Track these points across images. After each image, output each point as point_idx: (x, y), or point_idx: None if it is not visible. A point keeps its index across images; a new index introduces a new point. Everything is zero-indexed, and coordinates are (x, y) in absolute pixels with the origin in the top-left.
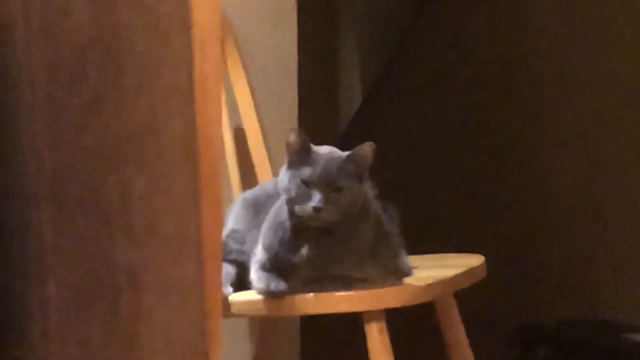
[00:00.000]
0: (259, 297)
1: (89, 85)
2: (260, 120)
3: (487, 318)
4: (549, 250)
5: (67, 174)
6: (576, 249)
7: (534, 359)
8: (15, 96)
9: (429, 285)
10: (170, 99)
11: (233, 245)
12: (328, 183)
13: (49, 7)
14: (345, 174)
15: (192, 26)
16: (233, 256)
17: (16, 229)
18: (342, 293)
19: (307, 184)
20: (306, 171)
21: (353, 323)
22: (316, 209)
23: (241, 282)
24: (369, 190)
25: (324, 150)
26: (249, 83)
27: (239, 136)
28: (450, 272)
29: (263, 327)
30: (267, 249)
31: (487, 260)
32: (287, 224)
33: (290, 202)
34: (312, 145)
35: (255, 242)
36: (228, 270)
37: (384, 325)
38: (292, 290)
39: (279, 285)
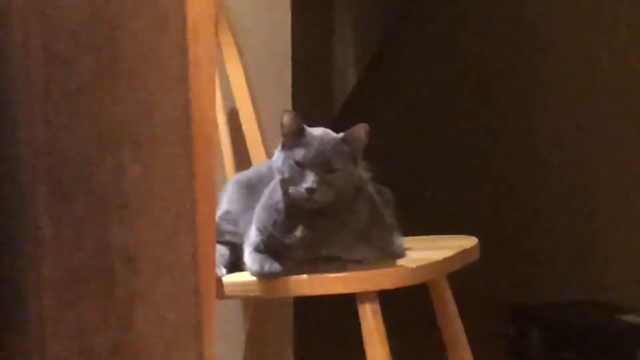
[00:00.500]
0: (253, 278)
1: (85, 68)
2: (254, 103)
3: (481, 299)
4: (543, 232)
5: (63, 158)
6: (570, 230)
7: (528, 340)
8: (12, 80)
9: (422, 266)
10: (165, 82)
11: (227, 226)
12: (322, 164)
13: None
14: (339, 155)
15: (186, 9)
16: (227, 238)
17: (12, 212)
18: (336, 274)
19: (301, 165)
20: (300, 152)
21: (347, 304)
22: (310, 190)
23: (235, 264)
24: (362, 172)
25: (317, 131)
26: (243, 65)
27: (233, 118)
28: (443, 254)
29: (257, 308)
30: (260, 230)
31: (480, 242)
32: (281, 205)
33: (284, 183)
34: (305, 126)
35: (248, 224)
36: (222, 252)
37: (377, 306)
38: (286, 272)
39: (273, 266)
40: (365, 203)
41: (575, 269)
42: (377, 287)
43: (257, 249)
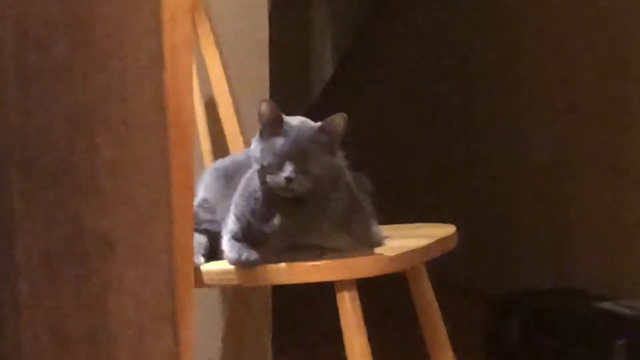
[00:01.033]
0: (231, 266)
1: (59, 52)
2: (232, 90)
3: (460, 287)
4: (521, 220)
5: (36, 141)
6: (547, 220)
7: (505, 328)
8: None
9: (401, 254)
10: (140, 66)
11: (204, 215)
12: (300, 154)
13: None
14: (318, 145)
15: None
16: (204, 226)
17: None
18: (314, 263)
19: (279, 155)
20: (278, 142)
21: (325, 292)
22: (288, 180)
23: (213, 252)
24: (340, 160)
25: (295, 121)
26: (220, 53)
27: (211, 107)
28: (421, 242)
29: (235, 297)
30: (238, 218)
31: (459, 230)
32: (259, 193)
33: (262, 172)
34: (284, 115)
35: (226, 212)
36: (199, 240)
37: (355, 294)
38: (264, 260)
39: (251, 255)
40: (343, 191)
41: (552, 258)
42: (355, 275)
43: (235, 237)
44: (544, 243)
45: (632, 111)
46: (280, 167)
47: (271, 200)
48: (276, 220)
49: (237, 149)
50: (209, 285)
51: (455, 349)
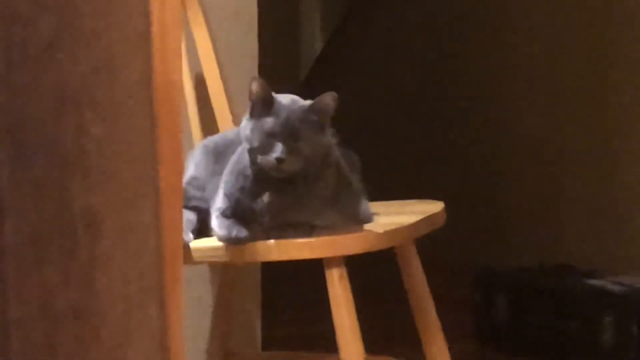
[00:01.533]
0: (220, 244)
1: (46, 29)
2: (221, 68)
3: (448, 264)
4: (509, 196)
5: (23, 117)
6: (537, 194)
7: (494, 305)
8: None
9: (389, 231)
10: (126, 43)
11: (194, 192)
12: (290, 134)
13: None
14: (308, 124)
15: None
16: (194, 203)
17: None
18: (303, 240)
19: (269, 134)
20: (268, 122)
21: (314, 269)
22: (279, 160)
23: (202, 229)
24: (330, 138)
25: (286, 100)
26: (209, 31)
27: (200, 84)
28: (410, 219)
29: (224, 274)
30: (228, 195)
31: (447, 207)
32: (249, 171)
33: (253, 152)
34: (274, 94)
35: (216, 189)
36: (189, 217)
37: (344, 271)
38: (253, 237)
39: (240, 232)
40: (333, 169)
41: (540, 234)
42: (344, 252)
43: (225, 215)
44: (533, 219)
45: (616, 86)
46: (270, 148)
47: (261, 177)
48: (265, 198)
49: (226, 126)
50: (198, 262)
51: (443, 325)
